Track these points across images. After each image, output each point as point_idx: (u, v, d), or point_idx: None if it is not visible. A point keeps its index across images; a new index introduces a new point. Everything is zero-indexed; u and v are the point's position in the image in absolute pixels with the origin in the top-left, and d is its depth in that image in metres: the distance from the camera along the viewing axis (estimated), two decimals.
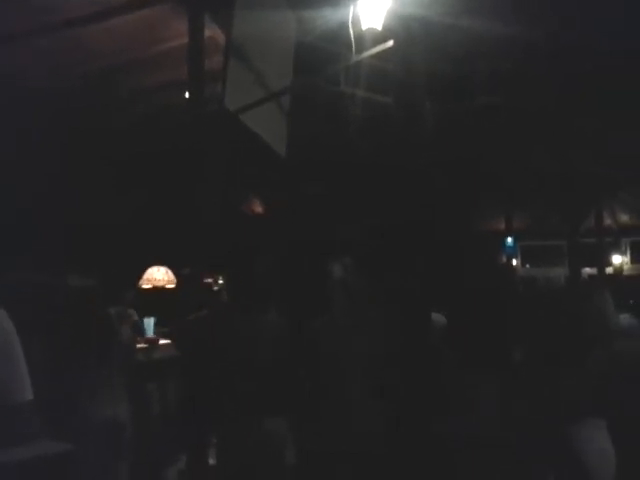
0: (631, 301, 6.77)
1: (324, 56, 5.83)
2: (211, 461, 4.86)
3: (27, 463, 2.20)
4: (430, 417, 3.38)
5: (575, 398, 2.52)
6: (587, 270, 13.21)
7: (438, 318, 4.23)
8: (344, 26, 5.21)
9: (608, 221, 13.60)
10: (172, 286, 7.26)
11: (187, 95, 6.01)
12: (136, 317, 6.14)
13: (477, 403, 3.31)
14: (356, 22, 5.02)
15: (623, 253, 14.85)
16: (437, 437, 3.29)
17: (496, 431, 3.13)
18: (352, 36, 5.15)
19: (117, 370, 3.93)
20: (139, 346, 5.54)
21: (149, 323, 6.38)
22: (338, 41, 5.67)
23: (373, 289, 3.59)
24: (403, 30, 3.82)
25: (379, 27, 4.78)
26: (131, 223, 7.34)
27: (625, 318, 4.57)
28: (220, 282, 6.62)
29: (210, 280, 6.64)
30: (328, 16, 5.67)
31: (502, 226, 13.91)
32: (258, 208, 7.06)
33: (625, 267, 14.79)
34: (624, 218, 13.92)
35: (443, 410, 3.39)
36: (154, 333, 6.41)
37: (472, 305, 4.27)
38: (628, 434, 2.64)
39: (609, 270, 14.07)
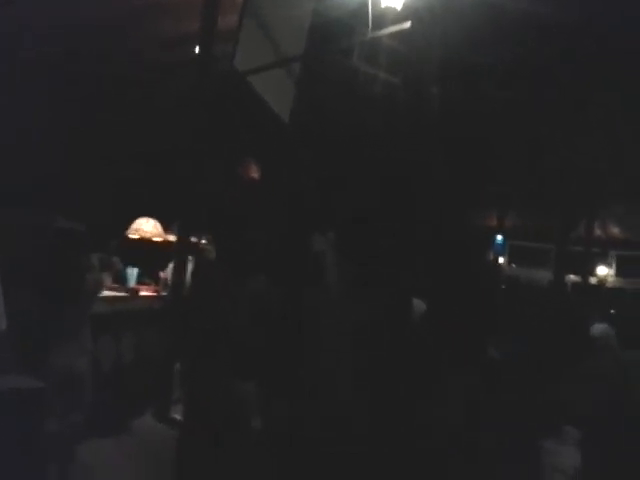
0: (612, 311, 6.88)
1: (339, 29, 5.76)
2: (177, 416, 4.93)
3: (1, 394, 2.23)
4: (404, 397, 3.43)
5: (546, 404, 2.48)
6: (572, 277, 13.31)
7: (418, 304, 4.26)
8: (364, 1, 5.15)
9: (598, 232, 13.68)
10: (159, 239, 7.24)
11: (197, 50, 5.94)
12: (120, 266, 6.14)
13: (448, 391, 3.36)
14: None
15: (609, 265, 14.96)
16: (410, 417, 3.35)
17: (462, 421, 3.18)
18: (370, 12, 5.09)
19: (83, 318, 3.94)
20: (120, 294, 5.57)
21: (132, 273, 6.39)
22: (356, 16, 5.60)
23: (354, 267, 3.60)
24: (422, 12, 3.79)
25: (398, 7, 4.73)
26: (125, 172, 7.29)
27: (604, 327, 4.63)
28: (205, 241, 6.63)
29: (199, 239, 6.65)
30: None
31: (493, 223, 13.95)
32: (254, 173, 7.02)
33: (609, 279, 14.92)
34: (614, 231, 14.00)
35: (417, 392, 3.44)
36: (136, 283, 6.43)
37: (453, 295, 4.31)
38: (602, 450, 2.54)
39: (593, 280, 14.19)
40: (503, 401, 3.32)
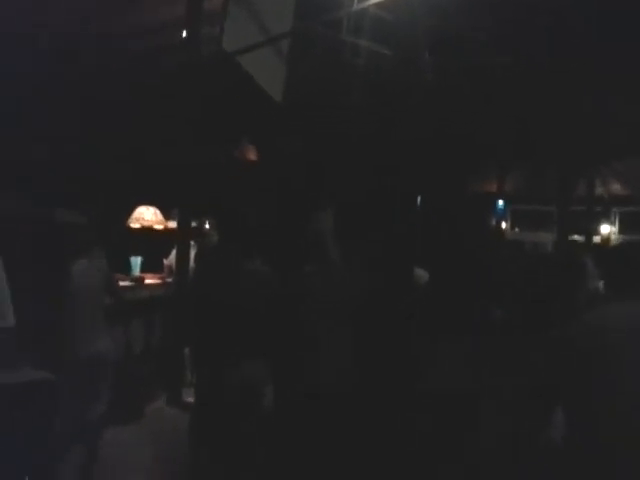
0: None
1: (326, 2, 5.69)
2: (189, 399, 5.00)
3: (9, 387, 2.26)
4: (408, 369, 3.47)
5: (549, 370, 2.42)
6: (575, 238, 13.29)
7: (421, 273, 4.27)
8: None
9: (599, 190, 13.62)
10: (161, 227, 7.26)
11: (184, 35, 5.89)
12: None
13: (450, 359, 3.39)
14: None
15: (612, 223, 14.91)
16: (414, 389, 3.39)
17: (467, 387, 3.22)
18: None
19: (98, 306, 3.97)
20: (125, 284, 5.60)
21: (136, 262, 6.42)
22: None
23: (353, 242, 3.61)
24: None
25: None
26: (122, 161, 7.27)
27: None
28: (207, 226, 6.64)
29: (200, 224, 6.66)
30: None
31: (493, 188, 13.90)
32: (251, 154, 7.00)
33: (613, 237, 14.88)
34: (616, 188, 13.92)
35: (417, 364, 3.47)
36: (141, 272, 6.46)
37: (456, 263, 4.32)
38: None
39: (597, 239, 14.17)
40: (505, 364, 3.34)
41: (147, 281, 6.21)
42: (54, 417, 2.40)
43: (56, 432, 2.50)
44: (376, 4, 5.08)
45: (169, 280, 6.36)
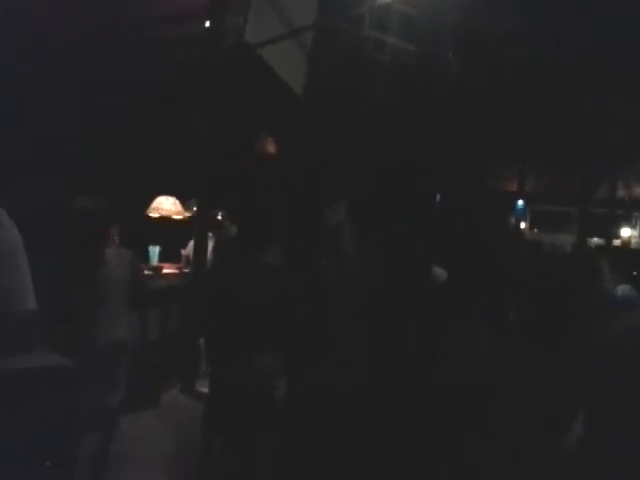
0: (634, 273, 6.79)
1: None
2: (203, 389, 5.03)
3: (30, 371, 2.28)
4: (422, 366, 3.45)
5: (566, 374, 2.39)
6: (595, 240, 13.15)
7: (439, 272, 4.25)
8: None
9: (621, 192, 13.44)
10: (180, 217, 7.30)
11: (207, 25, 5.90)
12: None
13: (469, 356, 3.37)
14: None
15: (633, 227, 14.73)
16: (427, 386, 3.37)
17: (486, 383, 3.20)
18: None
19: (122, 294, 4.00)
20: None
21: (154, 251, 6.47)
22: None
23: (372, 237, 3.60)
24: None
25: None
26: (141, 151, 7.31)
27: (626, 289, 4.60)
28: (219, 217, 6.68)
29: (217, 216, 6.69)
30: None
31: (514, 187, 13.77)
32: (271, 147, 7.00)
33: (633, 241, 14.70)
34: (638, 191, 13.73)
35: (435, 360, 3.46)
36: (158, 262, 6.51)
37: (474, 262, 4.29)
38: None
39: (617, 242, 14.00)
40: (523, 363, 3.32)
41: (164, 271, 6.26)
42: (74, 403, 2.42)
43: (75, 418, 2.53)
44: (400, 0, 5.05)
45: (186, 270, 6.40)
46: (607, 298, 3.26)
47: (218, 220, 6.62)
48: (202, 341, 5.65)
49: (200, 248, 5.97)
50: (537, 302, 3.59)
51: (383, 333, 3.33)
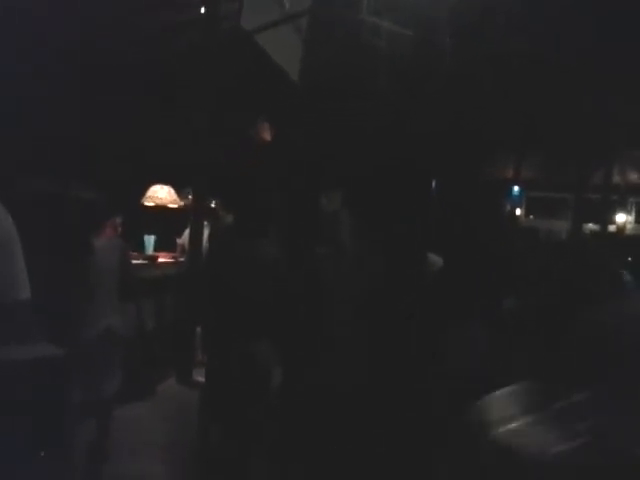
0: (629, 258, 6.83)
1: None
2: (199, 378, 5.02)
3: (24, 363, 2.25)
4: (417, 355, 3.45)
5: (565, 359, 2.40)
6: (590, 226, 13.18)
7: (435, 259, 4.23)
8: None
9: (616, 178, 13.45)
10: (175, 206, 7.25)
11: (202, 11, 5.82)
12: None
13: (465, 344, 3.37)
14: None
15: (628, 212, 14.77)
16: (422, 374, 3.37)
17: (482, 371, 3.20)
18: None
19: (113, 283, 3.97)
20: (138, 262, 5.60)
21: (149, 240, 6.42)
22: None
23: (367, 224, 3.57)
24: None
25: None
26: (136, 141, 7.24)
27: (622, 274, 4.60)
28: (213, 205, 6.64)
29: (211, 204, 6.65)
30: None
31: (510, 174, 13.76)
32: (267, 134, 6.95)
33: (628, 226, 14.74)
34: (633, 177, 13.75)
35: (432, 349, 3.45)
36: (154, 251, 6.47)
37: (470, 249, 4.28)
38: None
39: (612, 228, 14.04)
40: (520, 352, 3.32)
41: (160, 260, 6.22)
42: (68, 393, 2.39)
43: (70, 408, 2.51)
44: None
45: (182, 259, 6.37)
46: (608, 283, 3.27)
47: (212, 209, 6.57)
48: (198, 330, 5.63)
49: (196, 237, 5.93)
50: (536, 290, 3.59)
51: (380, 324, 3.32)
